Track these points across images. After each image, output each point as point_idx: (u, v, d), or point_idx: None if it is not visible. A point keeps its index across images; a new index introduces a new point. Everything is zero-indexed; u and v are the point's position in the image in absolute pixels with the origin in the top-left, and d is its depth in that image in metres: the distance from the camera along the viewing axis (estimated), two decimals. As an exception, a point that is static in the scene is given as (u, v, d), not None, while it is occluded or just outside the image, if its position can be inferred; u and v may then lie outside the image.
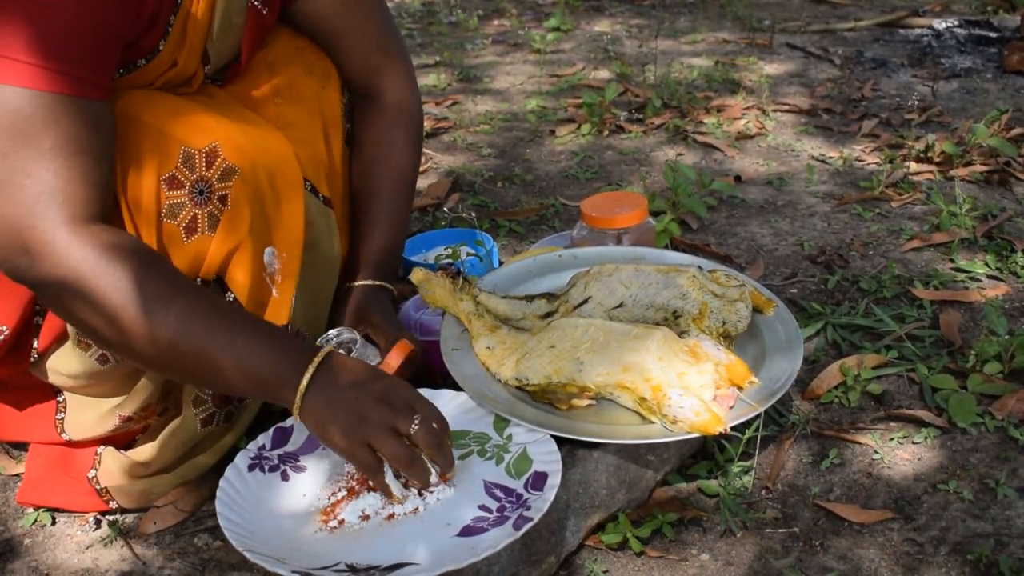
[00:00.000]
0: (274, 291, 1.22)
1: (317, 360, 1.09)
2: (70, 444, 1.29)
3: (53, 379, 1.21)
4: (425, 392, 1.30)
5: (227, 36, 1.27)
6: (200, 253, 1.16)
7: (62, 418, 1.26)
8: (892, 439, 1.36)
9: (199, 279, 1.18)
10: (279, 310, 1.23)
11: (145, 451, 1.25)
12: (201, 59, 1.24)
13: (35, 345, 1.18)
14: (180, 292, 1.05)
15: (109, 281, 1.01)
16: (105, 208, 1.06)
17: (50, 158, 1.01)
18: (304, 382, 1.07)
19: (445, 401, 1.28)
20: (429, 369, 1.45)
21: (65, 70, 1.01)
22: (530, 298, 1.44)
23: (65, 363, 1.18)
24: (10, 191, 1.00)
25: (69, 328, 1.16)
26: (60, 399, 1.26)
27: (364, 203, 1.47)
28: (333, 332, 1.32)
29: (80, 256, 1.00)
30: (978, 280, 1.78)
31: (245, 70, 1.35)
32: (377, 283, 1.42)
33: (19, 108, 0.99)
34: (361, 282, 1.41)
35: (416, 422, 1.07)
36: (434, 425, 1.09)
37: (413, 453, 1.08)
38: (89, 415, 1.25)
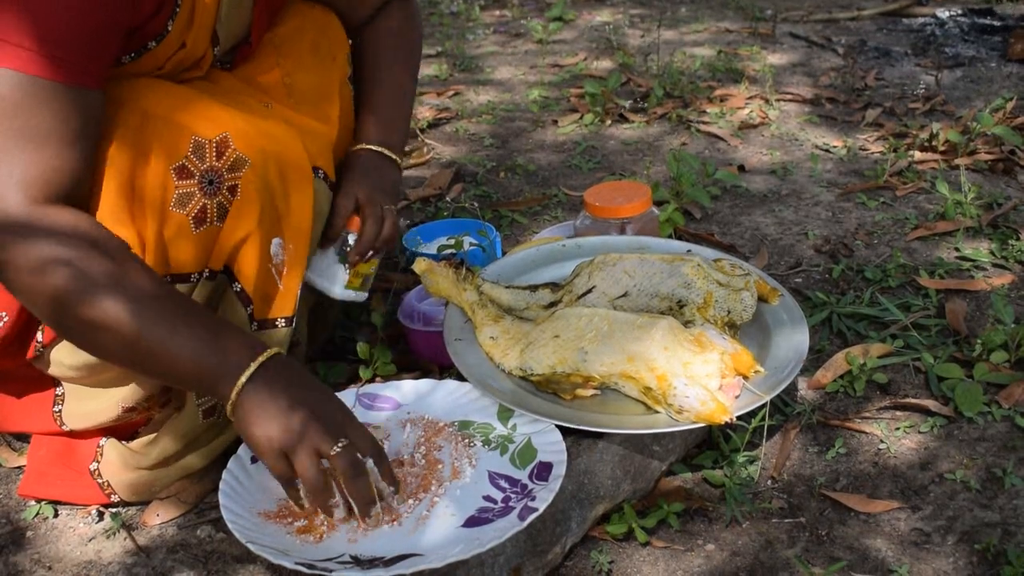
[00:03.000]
0: (279, 283, 1.21)
1: (262, 359, 1.06)
2: (72, 434, 1.28)
3: (55, 370, 1.20)
4: (429, 382, 1.29)
5: (236, 16, 1.26)
6: (208, 243, 1.16)
7: (59, 410, 1.25)
8: (898, 428, 1.36)
9: (207, 269, 1.17)
10: (284, 302, 1.23)
11: (147, 443, 1.25)
12: (211, 41, 1.23)
13: (39, 338, 1.18)
14: (131, 278, 1.04)
15: (59, 261, 1.00)
16: (75, 193, 1.06)
17: (17, 139, 1.00)
18: (243, 378, 1.05)
19: (449, 391, 1.28)
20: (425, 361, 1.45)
21: (51, 54, 1.00)
22: (534, 288, 1.43)
23: (68, 355, 1.18)
24: None
25: None
26: (59, 392, 1.26)
27: (368, 82, 1.47)
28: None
29: (33, 237, 1.00)
30: (983, 269, 1.77)
31: (252, 52, 1.35)
32: (377, 149, 1.41)
33: None
34: (361, 146, 1.41)
35: (339, 446, 1.03)
36: (357, 456, 1.05)
37: (324, 481, 1.04)
38: (89, 405, 1.24)
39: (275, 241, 1.19)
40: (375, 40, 1.50)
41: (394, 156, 1.43)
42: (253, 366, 1.06)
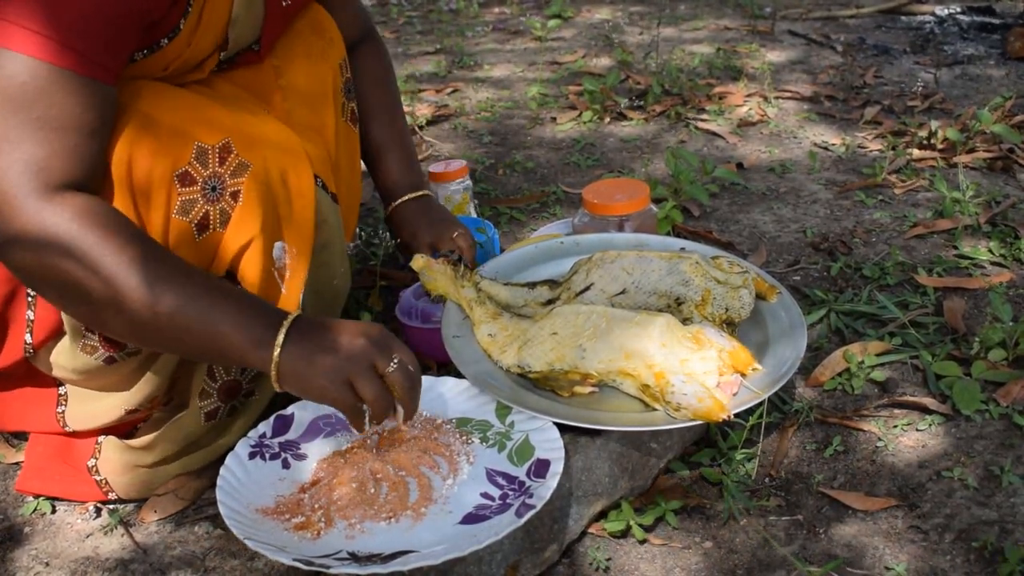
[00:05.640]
0: (282, 287, 1.21)
1: (291, 318, 1.08)
2: (73, 435, 1.28)
3: (56, 373, 1.20)
4: (427, 379, 1.29)
5: (248, 22, 1.25)
6: (211, 250, 1.15)
7: (63, 411, 1.25)
8: (896, 426, 1.36)
9: None
10: (287, 305, 1.22)
11: (146, 442, 1.25)
12: (220, 45, 1.23)
13: (29, 340, 1.17)
14: (155, 258, 1.03)
15: (80, 246, 0.99)
16: (90, 185, 1.04)
17: (36, 128, 0.99)
18: (280, 338, 1.05)
19: (447, 388, 1.28)
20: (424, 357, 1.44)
21: (74, 46, 0.99)
22: (532, 285, 1.43)
23: (68, 359, 1.17)
24: None
25: (69, 331, 1.15)
26: (61, 392, 1.25)
27: (369, 132, 1.58)
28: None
29: (50, 221, 0.98)
30: (982, 267, 1.77)
31: (260, 59, 1.34)
32: (415, 195, 1.58)
33: (15, 74, 0.98)
34: (399, 200, 1.58)
35: (395, 362, 1.07)
36: (410, 368, 1.09)
37: (389, 397, 1.08)
38: (92, 407, 1.24)
39: (278, 245, 1.19)
40: (364, 89, 1.58)
41: (427, 191, 1.61)
42: (286, 325, 1.06)
